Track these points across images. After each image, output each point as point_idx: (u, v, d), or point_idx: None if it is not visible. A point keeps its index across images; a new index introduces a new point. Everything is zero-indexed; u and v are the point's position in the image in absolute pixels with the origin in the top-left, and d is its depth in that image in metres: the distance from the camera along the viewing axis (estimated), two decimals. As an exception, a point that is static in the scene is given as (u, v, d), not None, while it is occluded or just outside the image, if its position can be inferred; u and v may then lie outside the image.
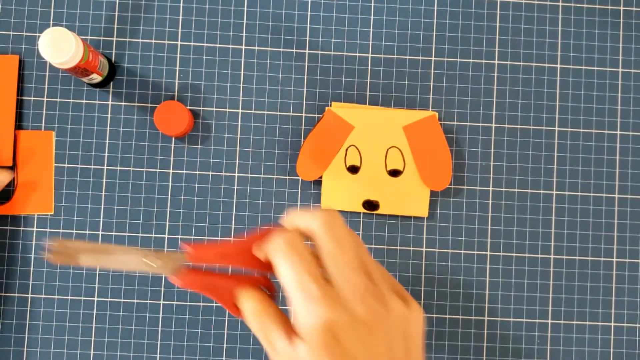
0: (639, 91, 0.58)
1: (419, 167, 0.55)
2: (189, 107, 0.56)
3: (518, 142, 0.57)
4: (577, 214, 0.57)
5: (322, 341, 0.30)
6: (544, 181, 0.57)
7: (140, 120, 0.56)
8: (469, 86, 0.57)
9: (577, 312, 0.56)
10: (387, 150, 0.55)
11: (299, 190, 0.56)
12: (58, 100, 0.56)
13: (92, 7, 0.57)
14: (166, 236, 0.56)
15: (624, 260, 0.57)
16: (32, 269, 0.55)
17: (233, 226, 0.56)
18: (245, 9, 0.57)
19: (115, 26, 0.57)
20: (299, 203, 0.56)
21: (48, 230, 0.55)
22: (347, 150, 0.55)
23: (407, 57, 0.57)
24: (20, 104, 0.56)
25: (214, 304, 0.55)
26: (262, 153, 0.56)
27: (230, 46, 0.57)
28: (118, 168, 0.56)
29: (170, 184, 0.56)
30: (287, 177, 0.56)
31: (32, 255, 0.55)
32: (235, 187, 0.56)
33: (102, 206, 0.56)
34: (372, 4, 0.58)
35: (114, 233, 0.55)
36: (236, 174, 0.56)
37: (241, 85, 0.57)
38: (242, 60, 0.57)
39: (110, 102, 0.56)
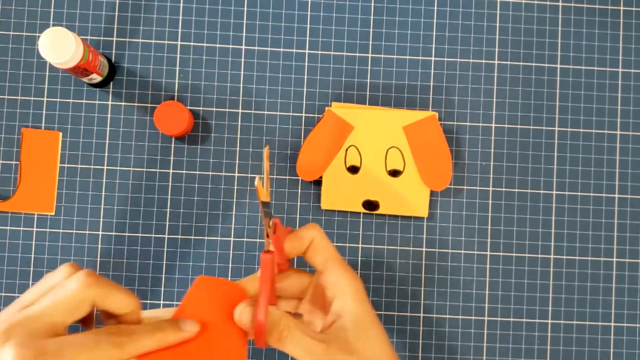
0: (639, 91, 0.58)
1: (419, 167, 0.55)
2: (189, 107, 0.56)
3: (518, 142, 0.57)
4: (577, 214, 0.57)
5: None
6: (544, 181, 0.57)
7: (140, 120, 0.56)
8: (469, 86, 0.57)
9: (577, 312, 0.56)
10: (387, 150, 0.55)
11: (299, 190, 0.56)
12: (58, 100, 0.56)
13: (92, 7, 0.57)
14: (166, 236, 0.56)
15: (624, 260, 0.57)
16: (32, 269, 0.55)
17: (233, 226, 0.56)
18: (245, 9, 0.57)
19: (115, 26, 0.57)
20: (299, 203, 0.56)
21: (48, 230, 0.55)
22: (347, 150, 0.55)
23: (407, 57, 0.57)
24: (20, 104, 0.56)
25: (214, 304, 0.55)
26: (262, 153, 0.56)
27: (230, 46, 0.57)
28: (118, 168, 0.56)
29: (170, 184, 0.56)
30: (287, 177, 0.56)
31: (32, 255, 0.55)
32: (235, 187, 0.56)
33: (102, 206, 0.56)
34: (372, 4, 0.58)
35: (114, 233, 0.55)
36: (236, 174, 0.56)
37: (241, 85, 0.57)
38: (242, 60, 0.57)
39: (110, 102, 0.56)
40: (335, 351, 0.38)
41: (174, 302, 0.55)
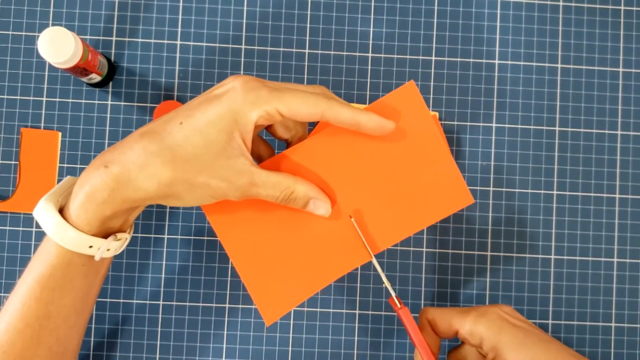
0: (640, 91, 0.58)
1: (419, 167, 0.55)
2: (188, 107, 0.56)
3: (518, 142, 0.57)
4: (577, 214, 0.57)
5: None
6: (544, 181, 0.57)
7: (140, 120, 0.56)
8: (469, 86, 0.57)
9: (577, 312, 0.56)
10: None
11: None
12: (57, 100, 0.56)
13: (92, 7, 0.57)
14: (165, 236, 0.55)
15: (624, 260, 0.57)
16: (31, 269, 0.55)
17: (233, 226, 0.56)
18: (245, 8, 0.57)
19: (115, 26, 0.57)
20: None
21: (47, 230, 0.55)
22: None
23: (407, 57, 0.57)
24: (19, 104, 0.56)
25: (214, 304, 0.55)
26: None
27: (230, 46, 0.57)
28: (118, 168, 0.56)
29: (169, 184, 0.56)
30: (287, 177, 0.56)
31: (32, 256, 0.55)
32: (235, 187, 0.56)
33: (102, 206, 0.55)
34: (372, 4, 0.58)
35: (113, 233, 0.55)
36: (236, 174, 0.56)
37: (241, 85, 0.57)
38: (242, 60, 0.57)
39: (109, 102, 0.56)
40: None
41: (174, 303, 0.55)
